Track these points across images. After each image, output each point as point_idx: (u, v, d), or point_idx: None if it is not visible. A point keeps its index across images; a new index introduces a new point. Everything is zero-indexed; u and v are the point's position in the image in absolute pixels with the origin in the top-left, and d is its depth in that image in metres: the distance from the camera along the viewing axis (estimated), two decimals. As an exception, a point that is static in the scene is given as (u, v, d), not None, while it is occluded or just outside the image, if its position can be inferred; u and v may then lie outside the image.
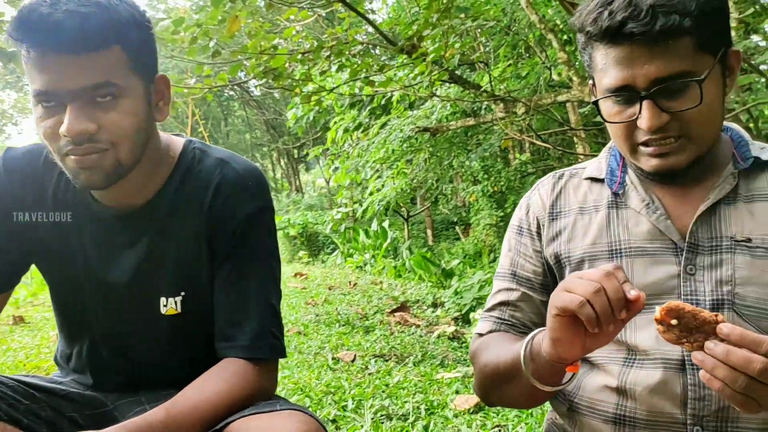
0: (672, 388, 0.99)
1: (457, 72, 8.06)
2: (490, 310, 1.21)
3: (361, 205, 10.45)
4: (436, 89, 9.13)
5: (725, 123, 1.13)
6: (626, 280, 0.84)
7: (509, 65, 8.58)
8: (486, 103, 7.77)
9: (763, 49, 6.60)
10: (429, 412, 2.59)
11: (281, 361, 3.53)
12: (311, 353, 3.77)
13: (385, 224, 11.96)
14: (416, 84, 7.55)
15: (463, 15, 7.03)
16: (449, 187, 12.50)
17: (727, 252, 1.00)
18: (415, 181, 10.43)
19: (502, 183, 10.70)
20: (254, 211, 1.24)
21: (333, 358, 3.59)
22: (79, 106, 1.06)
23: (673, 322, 0.81)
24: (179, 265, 1.24)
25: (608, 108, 1.01)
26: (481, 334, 1.21)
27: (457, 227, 13.18)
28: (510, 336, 1.15)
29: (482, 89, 7.24)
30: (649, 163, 1.01)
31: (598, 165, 1.17)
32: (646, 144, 0.99)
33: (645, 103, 0.95)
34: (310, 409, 2.64)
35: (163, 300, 1.25)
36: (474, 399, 2.66)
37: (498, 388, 1.10)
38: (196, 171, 1.25)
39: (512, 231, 1.23)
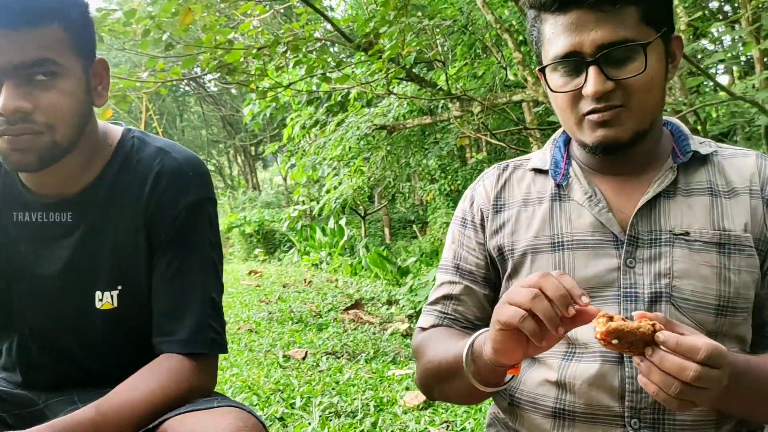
0: (610, 381, 0.99)
1: (414, 70, 8.09)
2: (433, 303, 1.20)
3: (317, 202, 10.41)
4: (393, 87, 9.15)
5: (666, 118, 1.14)
6: (573, 285, 0.84)
7: (465, 64, 8.65)
8: (443, 101, 7.82)
9: (711, 52, 6.80)
10: (378, 408, 2.58)
11: (230, 358, 3.50)
12: (262, 351, 3.73)
13: (342, 222, 11.94)
14: (373, 81, 7.55)
15: (420, 13, 7.06)
16: (407, 186, 12.54)
17: (666, 245, 1.01)
18: (372, 179, 10.44)
19: (459, 182, 10.79)
20: (195, 201, 1.20)
21: (284, 356, 3.55)
22: (15, 83, 1.02)
23: (614, 341, 0.81)
24: (116, 258, 1.19)
25: (555, 79, 1.02)
26: (423, 328, 1.19)
27: (414, 225, 13.24)
28: (453, 332, 1.14)
29: (439, 88, 7.28)
30: (593, 135, 1.00)
31: (542, 157, 1.17)
32: (591, 113, 0.99)
33: (591, 69, 0.95)
34: (257, 407, 2.62)
35: (98, 294, 1.20)
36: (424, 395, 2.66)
37: (439, 384, 1.10)
38: (134, 160, 1.21)
39: (456, 223, 1.22)
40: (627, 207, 1.04)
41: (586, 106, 0.99)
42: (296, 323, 4.71)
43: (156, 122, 15.50)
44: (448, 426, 2.36)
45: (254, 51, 5.85)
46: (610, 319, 0.81)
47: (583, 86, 0.97)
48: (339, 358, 3.56)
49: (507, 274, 1.13)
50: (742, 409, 0.95)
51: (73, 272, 1.20)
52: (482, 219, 1.16)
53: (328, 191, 10.13)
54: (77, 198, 1.19)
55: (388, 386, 2.91)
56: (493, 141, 6.55)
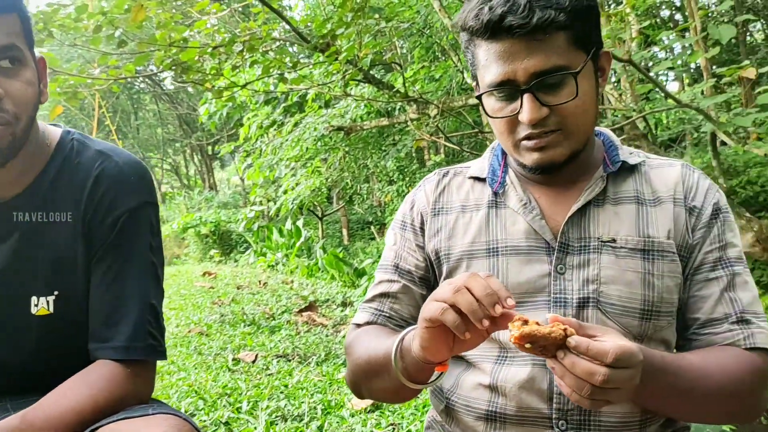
0: (539, 384, 1.02)
1: (371, 72, 8.12)
2: (369, 301, 1.21)
3: (274, 203, 10.34)
4: (351, 89, 9.15)
5: (598, 128, 1.18)
6: (501, 287, 0.86)
7: (423, 67, 8.71)
8: (400, 104, 7.86)
9: (660, 60, 6.99)
10: (326, 412, 2.58)
11: (178, 362, 3.46)
12: (211, 354, 3.70)
13: (300, 223, 11.88)
14: (330, 83, 7.54)
15: (377, 15, 7.08)
16: (365, 187, 12.56)
17: (594, 252, 1.04)
18: (329, 180, 10.42)
19: (417, 183, 10.86)
20: (135, 205, 1.18)
21: (233, 359, 3.53)
22: None
23: (527, 346, 0.83)
24: (53, 262, 1.17)
25: (491, 104, 1.04)
26: (358, 325, 1.21)
27: (372, 227, 13.25)
28: (385, 330, 1.16)
29: (395, 90, 7.31)
30: (531, 158, 1.04)
31: (481, 165, 1.20)
32: (527, 138, 1.02)
33: (525, 97, 0.98)
34: (202, 411, 2.60)
35: (33, 299, 1.17)
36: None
37: (368, 381, 1.11)
38: (74, 163, 1.19)
39: (397, 225, 1.24)
40: (559, 215, 1.08)
41: (522, 131, 1.02)
42: (248, 325, 4.67)
43: (109, 120, 15.16)
44: (394, 428, 2.38)
45: (209, 50, 5.79)
46: (525, 323, 0.83)
47: (518, 112, 1.00)
48: (290, 361, 3.55)
49: (443, 277, 1.15)
50: (662, 407, 0.98)
51: (8, 277, 1.17)
52: (422, 222, 1.19)
53: (285, 192, 10.07)
54: (14, 201, 1.17)
55: (338, 389, 2.91)
56: (449, 144, 6.60)
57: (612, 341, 0.82)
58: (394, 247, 1.22)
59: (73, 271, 1.18)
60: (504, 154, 1.19)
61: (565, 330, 0.82)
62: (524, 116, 0.98)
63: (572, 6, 0.95)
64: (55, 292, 1.18)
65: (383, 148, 10.52)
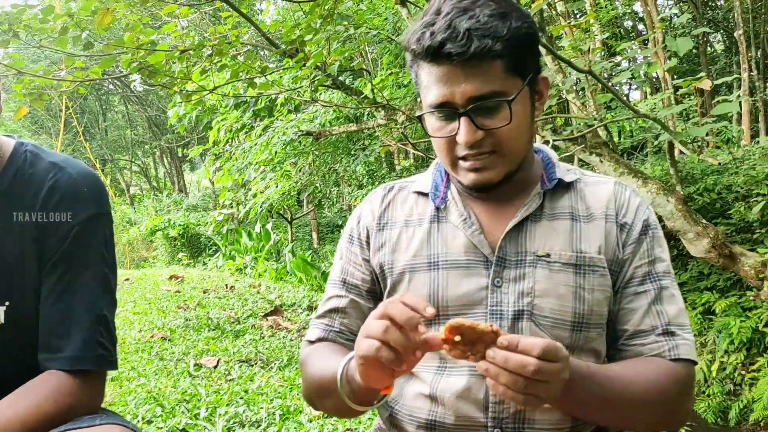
0: (476, 394, 1.06)
1: (340, 78, 8.17)
2: (320, 316, 1.24)
3: (243, 206, 10.31)
4: (320, 94, 9.19)
5: (538, 145, 1.23)
6: (417, 301, 0.88)
7: (391, 74, 8.78)
8: (369, 109, 7.93)
9: (621, 70, 7.16)
10: (284, 417, 2.62)
11: (138, 368, 3.47)
12: (173, 360, 3.71)
13: (269, 226, 11.87)
14: (299, 88, 7.57)
15: (346, 22, 7.12)
16: (335, 191, 12.58)
17: (530, 266, 1.08)
18: (299, 183, 10.43)
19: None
20: (88, 217, 1.19)
21: (195, 365, 3.55)
22: None
23: (457, 338, 0.87)
24: (5, 273, 1.17)
25: (432, 123, 1.08)
26: (311, 342, 1.23)
27: (342, 230, 13.27)
28: (335, 348, 1.19)
29: (364, 96, 7.37)
30: (467, 177, 1.08)
31: (425, 180, 1.23)
32: (464, 159, 1.07)
33: (462, 119, 1.02)
34: (159, 418, 2.63)
35: None
36: (328, 403, 2.73)
37: (320, 399, 1.14)
38: (27, 174, 1.20)
39: (344, 239, 1.26)
40: (498, 230, 1.12)
41: (460, 151, 1.07)
42: (213, 330, 4.68)
43: (76, 121, 14.95)
44: (348, 433, 2.45)
45: (177, 54, 5.78)
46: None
47: (456, 133, 1.04)
48: (252, 366, 3.58)
49: (387, 290, 1.18)
50: (591, 414, 1.03)
51: None
52: (367, 236, 1.22)
53: (254, 195, 10.06)
54: None
55: (297, 394, 2.95)
56: (414, 151, 6.68)
57: (538, 338, 0.88)
58: (341, 261, 1.25)
59: (24, 282, 1.19)
60: None
61: (491, 326, 0.87)
62: (461, 138, 1.03)
63: (510, 35, 0.99)
64: (7, 303, 1.19)
65: (352, 152, 10.57)
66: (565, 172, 1.17)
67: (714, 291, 7.16)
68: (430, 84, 1.04)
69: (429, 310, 0.87)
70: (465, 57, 0.98)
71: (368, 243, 1.21)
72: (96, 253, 1.22)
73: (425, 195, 1.20)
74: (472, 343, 0.88)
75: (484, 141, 1.04)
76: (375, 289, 1.22)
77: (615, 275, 1.10)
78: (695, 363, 1.09)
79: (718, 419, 6.61)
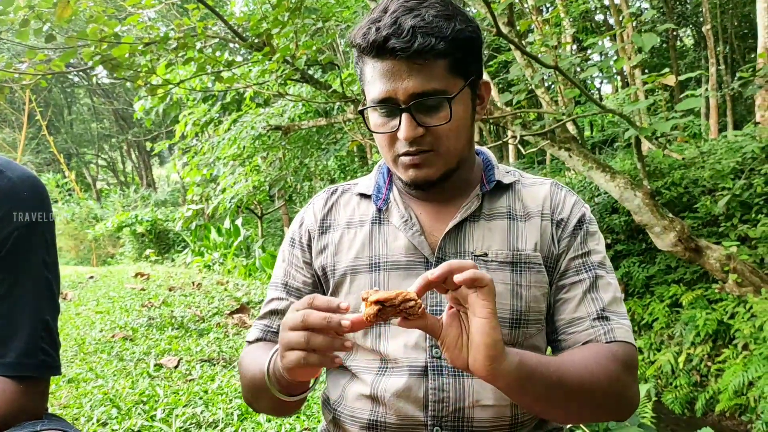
0: (416, 393, 1.07)
1: (309, 72, 8.08)
2: (261, 318, 1.24)
3: (212, 202, 10.20)
4: (289, 88, 9.10)
5: (479, 148, 1.24)
6: (326, 302, 0.87)
7: (360, 68, 8.72)
8: (339, 103, 7.87)
9: (589, 65, 7.20)
10: (242, 417, 2.56)
11: (96, 369, 3.38)
12: (133, 360, 3.61)
13: (239, 222, 11.76)
14: (267, 82, 7.48)
15: (314, 16, 7.05)
16: (306, 185, 12.51)
17: None
18: (269, 178, 10.34)
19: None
20: (28, 221, 1.16)
21: (156, 365, 3.46)
22: None
23: (376, 308, 0.84)
24: None
25: (375, 119, 1.09)
26: (249, 342, 1.23)
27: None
28: (269, 346, 1.17)
29: (333, 90, 7.31)
30: (406, 174, 1.09)
31: (368, 182, 1.24)
32: (405, 155, 1.07)
33: (404, 115, 1.03)
34: (115, 420, 2.55)
35: None
36: (289, 403, 2.68)
37: (255, 397, 1.13)
38: None
39: (287, 243, 1.26)
40: (438, 230, 1.13)
41: (400, 147, 1.07)
42: (177, 329, 4.59)
43: (40, 115, 14.64)
44: (307, 433, 2.40)
45: (140, 47, 5.66)
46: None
47: (397, 129, 1.05)
48: (214, 365, 3.51)
49: (330, 292, 1.18)
50: (535, 404, 1.00)
51: None
52: (309, 240, 1.22)
53: (223, 191, 9.94)
54: None
55: (258, 394, 2.89)
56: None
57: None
58: (283, 264, 1.25)
59: None
60: (389, 172, 1.23)
61: (407, 292, 0.86)
62: (401, 134, 1.04)
63: (453, 36, 1.01)
64: None
65: (323, 146, 10.51)
66: (504, 174, 1.20)
67: (681, 284, 7.27)
68: (374, 79, 1.05)
69: (343, 305, 0.87)
70: (408, 53, 0.99)
71: (310, 246, 1.22)
72: (37, 258, 1.20)
73: (368, 197, 1.22)
74: (394, 307, 0.86)
75: (424, 138, 1.05)
76: (316, 292, 1.20)
77: (551, 270, 1.13)
78: (635, 347, 1.10)
79: (685, 410, 6.72)
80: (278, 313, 1.22)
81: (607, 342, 1.06)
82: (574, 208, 1.16)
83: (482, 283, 0.85)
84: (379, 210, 1.18)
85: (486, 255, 1.10)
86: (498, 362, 0.87)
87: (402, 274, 1.12)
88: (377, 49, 1.01)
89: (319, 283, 1.21)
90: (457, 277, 0.84)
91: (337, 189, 1.27)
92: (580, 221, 1.15)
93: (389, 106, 1.05)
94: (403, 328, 1.05)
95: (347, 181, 1.30)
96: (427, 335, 1.07)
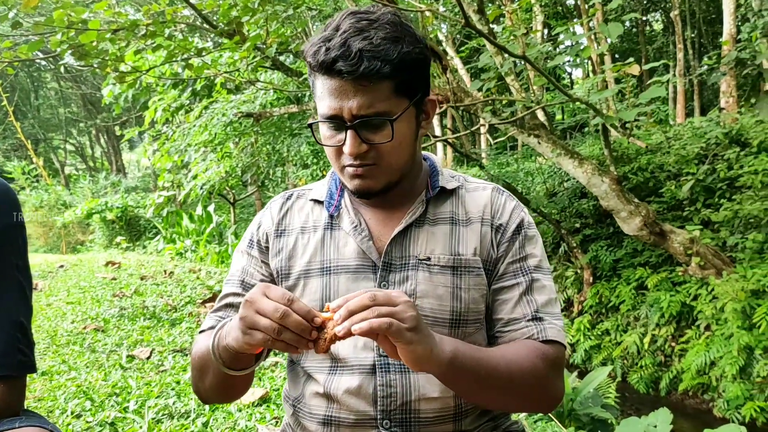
0: (366, 390, 1.13)
1: (281, 58, 8.05)
2: (216, 310, 1.27)
3: (184, 189, 10.13)
4: (261, 74, 9.05)
5: (426, 153, 1.30)
6: (304, 307, 0.93)
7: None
8: (310, 90, 7.84)
9: (557, 53, 7.27)
10: (213, 408, 2.61)
11: (69, 361, 3.40)
12: (106, 351, 3.63)
13: (211, 209, 11.70)
14: (237, 70, 7.44)
15: (285, 2, 7.01)
16: (279, 171, 12.47)
17: (413, 269, 1.16)
18: (240, 165, 10.30)
19: (331, 167, 10.85)
20: (1, 227, 1.20)
21: (128, 356, 3.49)
22: None
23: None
24: None
25: (324, 131, 1.14)
26: (202, 331, 1.26)
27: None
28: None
29: (304, 77, 7.30)
30: (351, 183, 1.15)
31: (322, 188, 1.30)
32: (350, 166, 1.13)
33: (349, 132, 1.08)
34: (89, 413, 2.59)
35: None
36: (260, 392, 2.73)
37: (201, 379, 1.17)
38: None
39: (245, 242, 1.31)
40: (385, 236, 1.19)
41: (346, 159, 1.13)
42: (149, 319, 4.60)
43: (6, 100, 14.33)
44: (277, 422, 2.45)
45: (108, 35, 5.59)
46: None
47: (344, 143, 1.10)
48: (186, 355, 3.54)
49: None
50: (469, 391, 1.08)
51: None
52: (266, 241, 1.27)
53: (194, 177, 9.88)
54: None
55: (231, 384, 2.94)
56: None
57: None
58: (241, 261, 1.29)
59: None
60: None
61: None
62: (346, 149, 1.09)
63: (399, 59, 1.05)
64: None
65: (295, 132, 10.49)
66: (449, 179, 1.26)
67: (647, 267, 7.44)
68: (324, 95, 1.09)
69: (317, 320, 0.93)
70: (355, 75, 1.04)
71: (267, 248, 1.26)
72: (9, 263, 1.23)
73: (321, 203, 1.26)
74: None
75: (367, 153, 1.11)
76: None
77: (489, 273, 1.19)
78: (564, 346, 1.17)
79: (650, 389, 6.91)
80: (234, 307, 1.25)
81: (539, 341, 1.14)
82: (513, 213, 1.22)
83: (380, 331, 0.91)
84: (331, 216, 1.23)
85: (429, 259, 1.16)
86: (422, 365, 0.96)
87: (351, 278, 1.17)
88: (326, 68, 1.05)
89: (275, 284, 1.25)
90: (355, 329, 0.91)
91: (292, 194, 1.32)
92: (519, 226, 1.21)
93: (336, 122, 1.09)
94: None
95: (302, 186, 1.35)
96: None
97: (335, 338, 0.93)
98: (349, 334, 0.91)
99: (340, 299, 0.94)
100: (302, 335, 0.92)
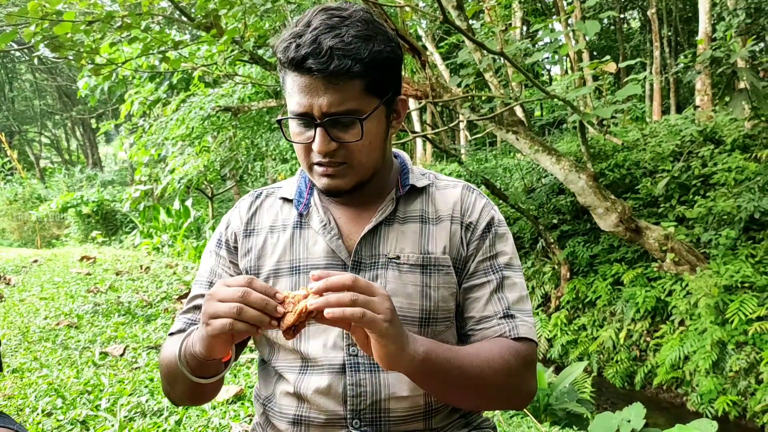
0: (335, 389, 1.12)
1: (260, 52, 7.99)
2: (185, 312, 1.25)
3: (160, 183, 10.02)
4: (239, 68, 8.97)
5: (396, 151, 1.29)
6: (267, 290, 0.92)
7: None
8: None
9: (535, 50, 7.31)
10: (186, 406, 2.60)
11: (41, 358, 3.35)
12: (78, 348, 3.58)
13: (188, 203, 11.60)
14: (214, 64, 7.37)
15: (263, -5, 6.95)
16: (258, 165, 12.40)
17: (382, 268, 1.15)
18: (219, 159, 10.21)
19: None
20: None
21: (101, 353, 3.44)
22: None
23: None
24: None
25: (293, 128, 1.12)
26: (171, 334, 1.24)
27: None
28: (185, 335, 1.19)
29: (282, 71, 7.25)
30: (320, 182, 1.13)
31: (291, 186, 1.28)
32: (319, 164, 1.11)
33: (318, 130, 1.07)
34: (60, 411, 2.55)
35: None
36: (234, 389, 2.72)
37: (171, 385, 1.16)
38: None
39: (213, 243, 1.29)
40: (355, 234, 1.18)
41: (315, 157, 1.11)
42: (123, 315, 4.55)
43: (-22, 92, 14.06)
44: (250, 419, 2.44)
45: (83, 26, 5.50)
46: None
47: (312, 141, 1.08)
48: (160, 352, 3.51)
49: None
50: (440, 388, 1.07)
51: None
52: (235, 241, 1.25)
53: (172, 171, 9.79)
54: None
55: (205, 381, 2.91)
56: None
57: None
58: (210, 263, 1.27)
59: None
60: None
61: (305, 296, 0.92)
62: (315, 147, 1.08)
63: (371, 58, 1.04)
64: None
65: (273, 127, 10.43)
66: (419, 177, 1.24)
67: (623, 263, 7.52)
68: (293, 92, 1.07)
69: (279, 295, 0.92)
70: (325, 73, 1.02)
71: (236, 248, 1.24)
72: None
73: (290, 201, 1.25)
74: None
75: (337, 152, 1.09)
76: None
77: (459, 271, 1.18)
78: (536, 343, 1.17)
79: (625, 384, 7.00)
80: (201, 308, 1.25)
81: (511, 338, 1.13)
82: (483, 211, 1.21)
83: (353, 320, 0.90)
84: (301, 215, 1.22)
85: (398, 258, 1.15)
86: (394, 363, 0.95)
87: None
88: (296, 65, 1.04)
89: None
90: (328, 312, 0.89)
91: (261, 193, 1.30)
92: (489, 224, 1.20)
93: (305, 119, 1.08)
94: (323, 328, 1.13)
95: (272, 185, 1.33)
96: (345, 334, 1.12)
97: (304, 313, 0.90)
98: (321, 314, 0.90)
99: (322, 271, 0.93)
100: (265, 311, 0.90)
